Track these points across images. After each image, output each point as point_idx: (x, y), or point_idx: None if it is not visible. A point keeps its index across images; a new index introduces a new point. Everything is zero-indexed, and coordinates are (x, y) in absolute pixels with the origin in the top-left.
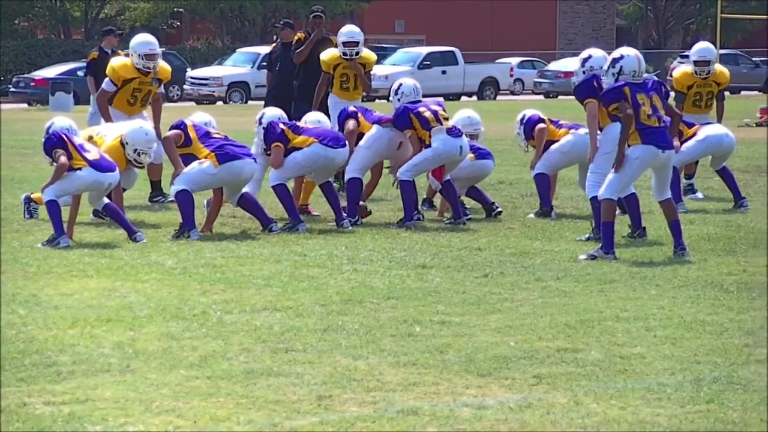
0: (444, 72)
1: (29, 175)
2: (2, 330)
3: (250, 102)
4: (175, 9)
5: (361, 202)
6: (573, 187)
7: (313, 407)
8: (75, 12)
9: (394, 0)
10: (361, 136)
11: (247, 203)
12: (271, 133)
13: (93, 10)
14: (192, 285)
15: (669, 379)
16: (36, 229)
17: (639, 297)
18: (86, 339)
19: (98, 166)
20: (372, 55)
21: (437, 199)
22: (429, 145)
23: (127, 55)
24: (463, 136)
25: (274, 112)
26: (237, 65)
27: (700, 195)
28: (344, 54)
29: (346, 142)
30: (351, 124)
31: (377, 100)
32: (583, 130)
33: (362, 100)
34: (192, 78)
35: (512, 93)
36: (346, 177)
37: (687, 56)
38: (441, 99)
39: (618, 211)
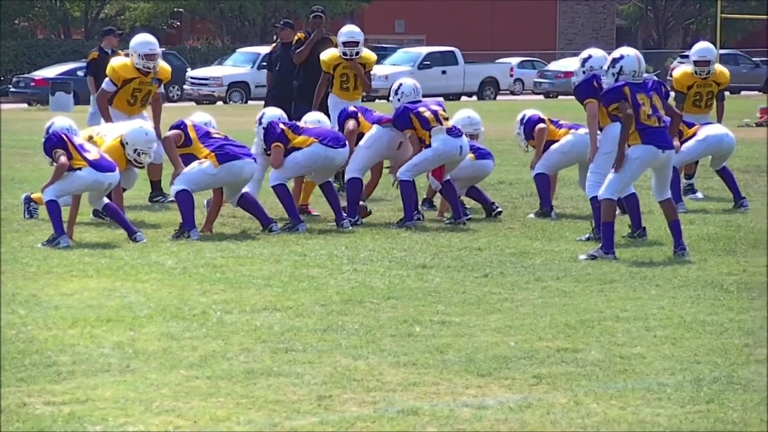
0: (444, 72)
1: (29, 175)
2: (2, 330)
3: (250, 102)
4: (175, 9)
5: (361, 202)
6: (573, 187)
7: (313, 407)
8: (75, 12)
9: (394, 0)
10: (361, 136)
11: (247, 203)
12: (271, 133)
13: (93, 10)
14: (192, 285)
15: (669, 379)
16: (36, 229)
17: (639, 297)
18: (86, 339)
19: (98, 166)
20: (372, 55)
21: (437, 199)
22: (429, 145)
23: (127, 55)
24: (463, 136)
25: (274, 112)
26: (237, 65)
27: (700, 195)
28: (344, 54)
29: (346, 142)
30: (351, 124)
31: (377, 100)
32: (583, 130)
33: (362, 100)
34: (192, 78)
35: (512, 93)
36: (346, 177)
37: (687, 56)
38: (441, 99)
39: (618, 211)
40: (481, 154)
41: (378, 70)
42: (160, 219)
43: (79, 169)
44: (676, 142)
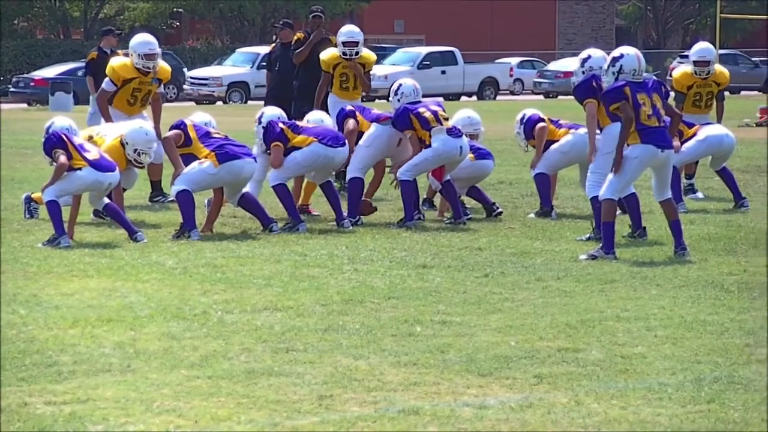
0: (443, 72)
1: (29, 175)
2: (3, 330)
3: (249, 102)
4: (175, 9)
5: (364, 198)
6: (573, 186)
7: (314, 407)
8: (74, 12)
9: (394, 0)
10: (360, 135)
11: (248, 203)
12: (270, 133)
13: (92, 10)
14: (193, 285)
15: (670, 378)
16: (36, 229)
17: (640, 297)
18: (87, 339)
19: (98, 165)
20: (372, 55)
21: (437, 199)
22: (429, 146)
23: (126, 54)
24: (463, 136)
25: (273, 111)
26: (236, 65)
27: (700, 195)
28: (344, 54)
29: (346, 141)
30: (351, 123)
31: (377, 100)
32: (583, 130)
33: (362, 100)
34: (192, 78)
35: (512, 93)
36: (348, 177)
37: (686, 56)
38: (440, 99)
39: (618, 211)
40: (481, 154)
41: (377, 70)
42: (160, 219)
43: (79, 169)
44: (676, 143)
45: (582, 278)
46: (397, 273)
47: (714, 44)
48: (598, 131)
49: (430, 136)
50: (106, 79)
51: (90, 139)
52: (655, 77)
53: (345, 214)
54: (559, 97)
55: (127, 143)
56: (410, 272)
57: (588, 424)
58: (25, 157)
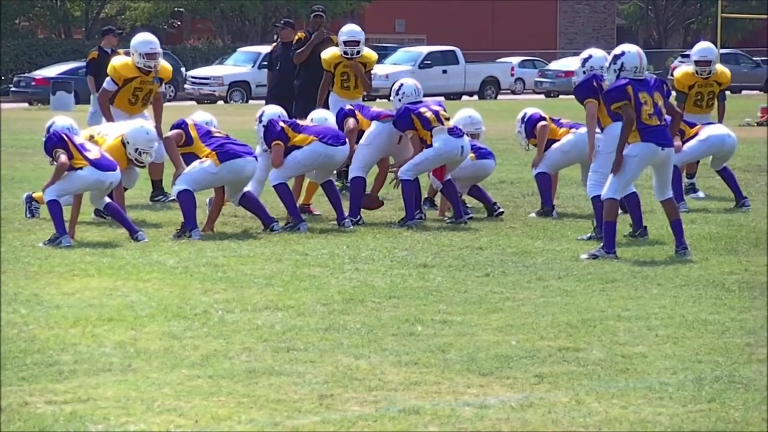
0: (445, 71)
1: (29, 175)
2: (4, 329)
3: (251, 101)
4: (176, 8)
5: (369, 194)
6: (574, 186)
7: (315, 406)
8: (75, 11)
9: None
10: (360, 133)
11: (249, 202)
12: (271, 131)
13: (93, 9)
14: (193, 284)
15: (671, 378)
16: (37, 228)
17: (641, 296)
18: (88, 338)
19: (99, 165)
20: (373, 55)
21: (438, 199)
22: (430, 145)
23: (127, 54)
24: (465, 136)
25: (273, 110)
26: (238, 65)
27: (701, 194)
28: (345, 53)
29: (346, 140)
30: (351, 122)
31: (378, 100)
32: (584, 129)
33: (363, 100)
34: (193, 77)
35: (513, 92)
36: (350, 176)
37: (688, 56)
38: (441, 99)
39: (619, 211)
40: (482, 153)
41: (379, 70)
42: (161, 218)
43: (80, 168)
44: (677, 142)
45: (583, 277)
46: (398, 272)
47: (715, 44)
48: (598, 131)
49: (431, 136)
50: (108, 78)
51: (91, 138)
52: (655, 77)
53: (346, 213)
54: (560, 96)
55: (128, 142)
56: (411, 271)
57: (589, 423)
58: (25, 157)
